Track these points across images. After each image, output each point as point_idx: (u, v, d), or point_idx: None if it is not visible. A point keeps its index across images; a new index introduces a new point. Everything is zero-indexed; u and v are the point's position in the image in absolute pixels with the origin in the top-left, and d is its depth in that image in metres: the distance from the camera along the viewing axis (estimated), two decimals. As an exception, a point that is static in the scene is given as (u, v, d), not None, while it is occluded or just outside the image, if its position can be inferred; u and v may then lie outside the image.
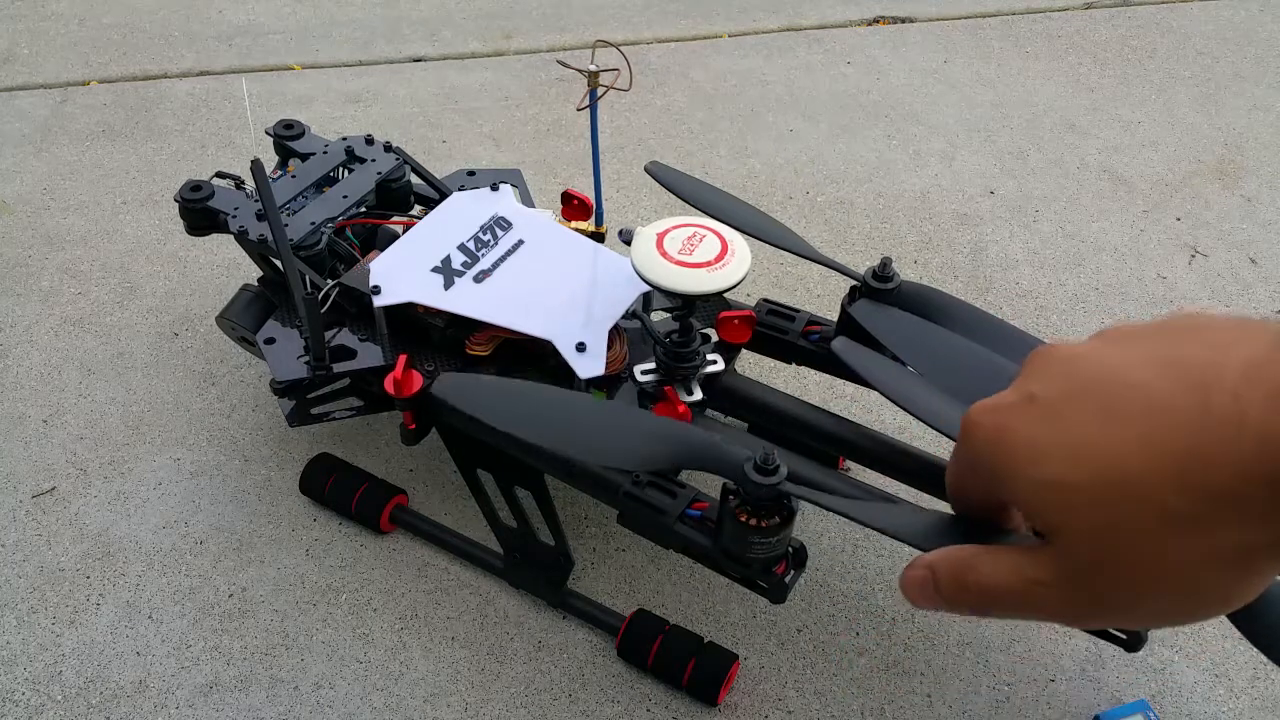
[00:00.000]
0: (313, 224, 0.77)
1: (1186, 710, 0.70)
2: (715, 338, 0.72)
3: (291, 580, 0.77)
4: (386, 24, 1.44)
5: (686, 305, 0.66)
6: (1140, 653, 0.70)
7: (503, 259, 0.74)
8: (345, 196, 0.80)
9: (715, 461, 0.54)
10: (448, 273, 0.72)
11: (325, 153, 0.84)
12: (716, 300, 0.75)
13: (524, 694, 0.70)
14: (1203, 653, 0.73)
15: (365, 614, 0.75)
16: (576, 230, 0.78)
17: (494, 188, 0.80)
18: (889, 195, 1.14)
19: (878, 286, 0.68)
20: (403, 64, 1.36)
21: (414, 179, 0.85)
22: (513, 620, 0.74)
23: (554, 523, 0.72)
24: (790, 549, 0.59)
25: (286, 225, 0.76)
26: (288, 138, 0.86)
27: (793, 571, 0.60)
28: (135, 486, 0.83)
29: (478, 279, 0.72)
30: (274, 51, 1.37)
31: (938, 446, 0.73)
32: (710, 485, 0.77)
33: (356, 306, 0.74)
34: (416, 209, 0.86)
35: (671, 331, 0.68)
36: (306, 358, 0.72)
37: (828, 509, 0.50)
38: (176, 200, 0.80)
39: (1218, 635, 0.73)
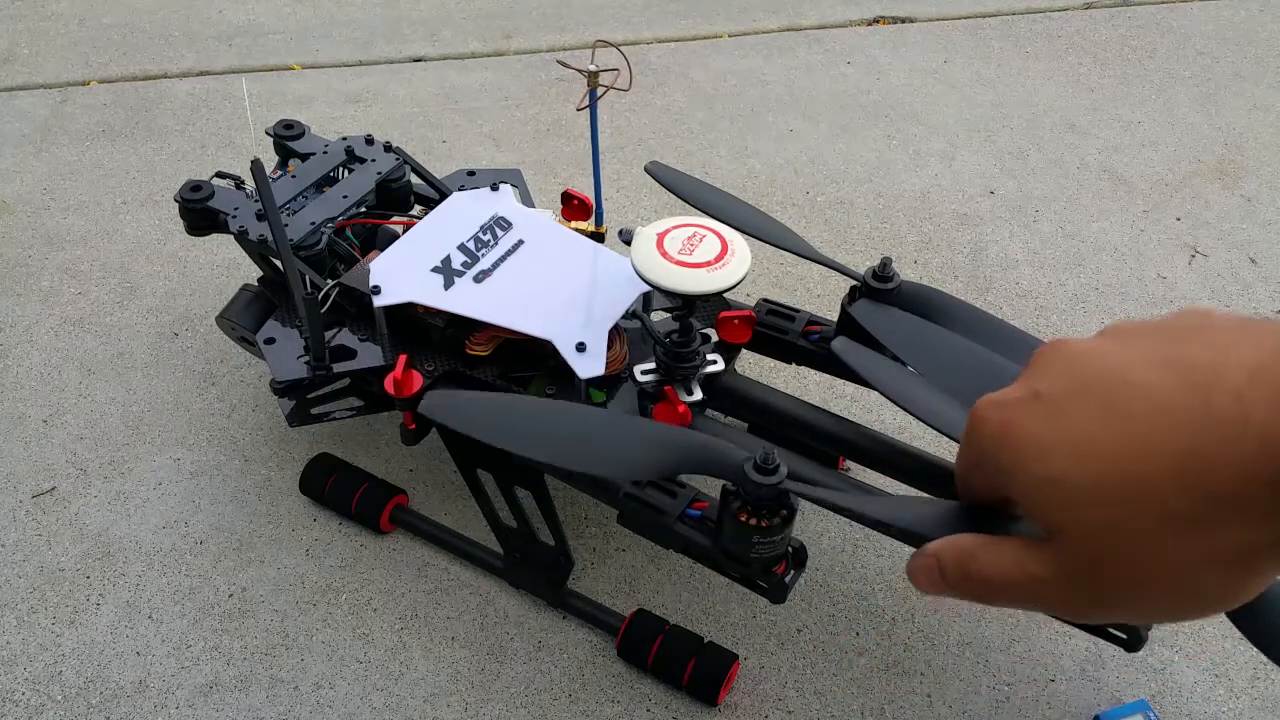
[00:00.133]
0: (313, 224, 0.77)
1: (1186, 710, 0.70)
2: (715, 338, 0.72)
3: (291, 580, 0.77)
4: (386, 24, 1.44)
5: (686, 305, 0.66)
6: (1140, 653, 0.70)
7: (503, 259, 0.74)
8: (345, 196, 0.80)
9: (715, 464, 0.54)
10: (448, 273, 0.72)
11: (325, 153, 0.84)
12: (716, 300, 0.75)
13: (524, 694, 0.70)
14: (1203, 653, 0.73)
15: (365, 614, 0.75)
16: (576, 230, 0.78)
17: (494, 188, 0.80)
18: (889, 195, 1.14)
19: (878, 286, 0.68)
20: (403, 64, 1.36)
21: (414, 179, 0.85)
22: (513, 620, 0.74)
23: (554, 523, 0.72)
24: (790, 549, 0.59)
25: (286, 225, 0.76)
26: (288, 138, 0.86)
27: (793, 571, 0.60)
28: (135, 486, 0.83)
29: (478, 279, 0.72)
30: (274, 51, 1.37)
31: (938, 446, 0.73)
32: (710, 485, 0.77)
33: (356, 306, 0.74)
34: (416, 209, 0.86)
35: (671, 331, 0.68)
36: (306, 358, 0.72)
37: (829, 505, 0.50)
38: (176, 200, 0.80)
39: (1218, 635, 0.73)
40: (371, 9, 1.47)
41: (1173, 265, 1.06)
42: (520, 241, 0.76)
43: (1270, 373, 0.24)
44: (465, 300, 0.71)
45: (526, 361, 0.72)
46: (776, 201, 1.13)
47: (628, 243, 0.65)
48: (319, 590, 0.76)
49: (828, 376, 0.82)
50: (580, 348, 0.68)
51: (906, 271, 1.01)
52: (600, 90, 0.69)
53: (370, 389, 0.76)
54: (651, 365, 0.70)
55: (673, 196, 0.76)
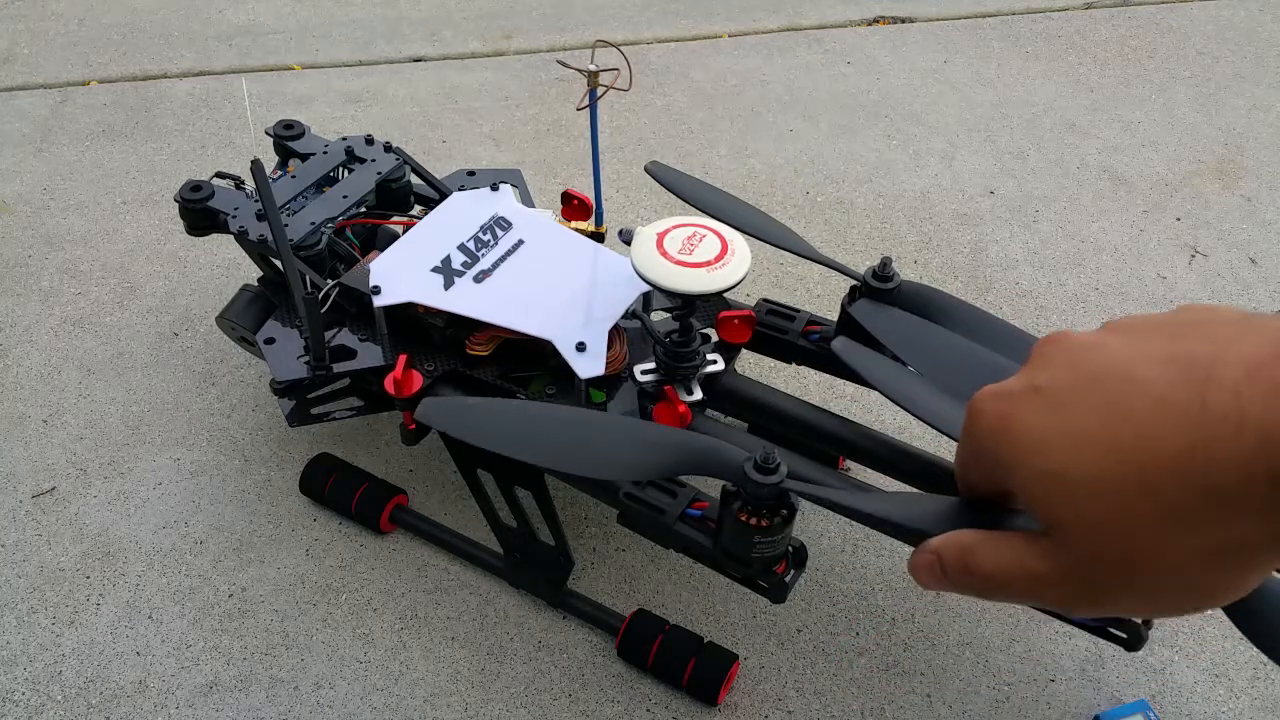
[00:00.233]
0: (313, 224, 0.77)
1: (1186, 710, 0.70)
2: (715, 338, 0.72)
3: (291, 580, 0.77)
4: (386, 24, 1.44)
5: (686, 305, 0.66)
6: (1140, 653, 0.70)
7: (503, 259, 0.74)
8: (345, 196, 0.80)
9: (715, 465, 0.54)
10: (448, 273, 0.72)
11: (325, 153, 0.84)
12: (716, 300, 0.75)
13: (524, 694, 0.70)
14: (1203, 653, 0.73)
15: (365, 614, 0.75)
16: (576, 230, 0.78)
17: (494, 188, 0.80)
18: (889, 195, 1.14)
19: (878, 286, 0.68)
20: (403, 64, 1.36)
21: (414, 179, 0.85)
22: (513, 620, 0.74)
23: (554, 523, 0.72)
24: (790, 549, 0.59)
25: (286, 225, 0.76)
26: (288, 138, 0.86)
27: (793, 571, 0.60)
28: (135, 486, 0.83)
29: (478, 279, 0.72)
30: (274, 51, 1.37)
31: (938, 446, 0.73)
32: (710, 484, 0.77)
33: (356, 306, 0.74)
34: (416, 209, 0.86)
35: (671, 331, 0.68)
36: (306, 358, 0.72)
37: (829, 503, 0.50)
38: (176, 200, 0.80)
39: (1218, 635, 0.73)
40: (371, 9, 1.47)
41: (1173, 265, 1.06)
42: (520, 241, 0.76)
43: (1268, 370, 0.24)
44: (465, 300, 0.71)
45: (526, 361, 0.72)
46: (776, 201, 1.13)
47: (628, 243, 0.65)
48: (319, 590, 0.76)
49: (828, 376, 0.82)
50: (580, 348, 0.68)
51: (906, 271, 1.01)
52: (600, 90, 0.69)
53: (370, 389, 0.76)
54: (651, 365, 0.70)
55: (673, 196, 0.76)
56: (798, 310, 0.75)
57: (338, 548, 0.79)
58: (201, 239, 0.91)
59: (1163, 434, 0.25)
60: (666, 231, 0.64)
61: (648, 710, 0.69)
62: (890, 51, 1.39)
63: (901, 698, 0.70)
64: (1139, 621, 0.58)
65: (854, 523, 0.71)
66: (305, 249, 0.75)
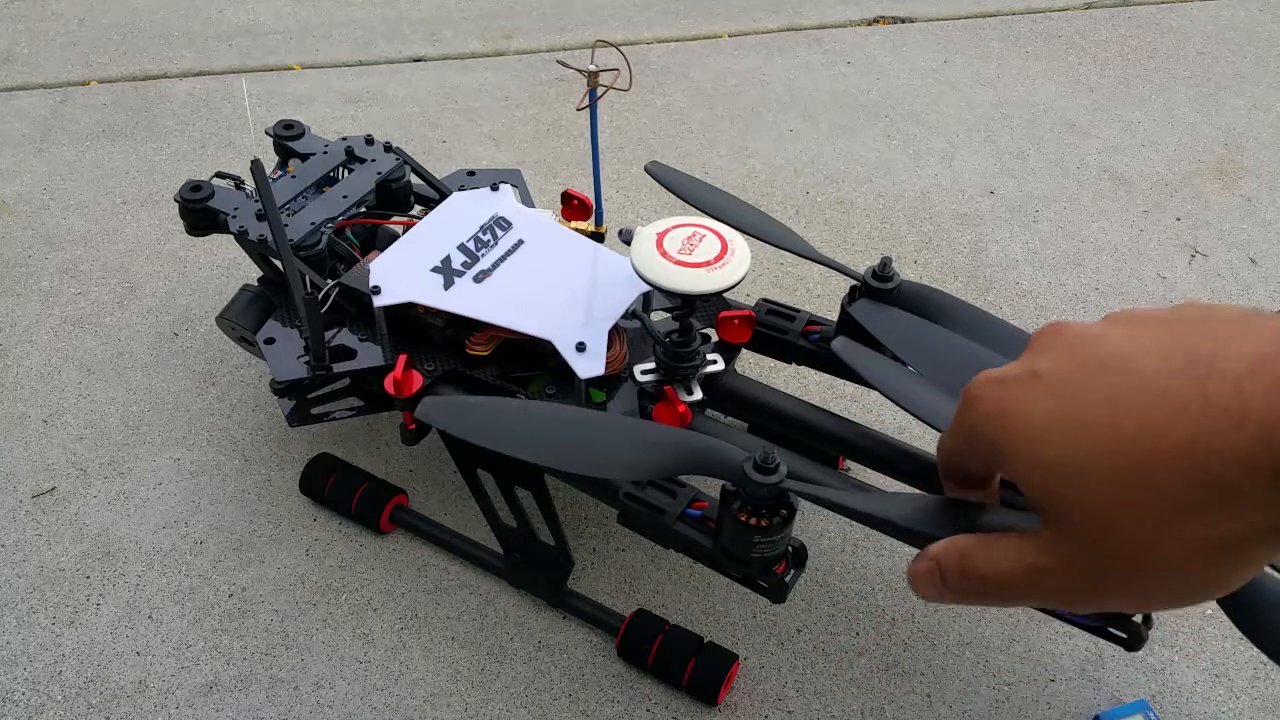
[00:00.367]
0: (313, 224, 0.77)
1: (1186, 710, 0.70)
2: (715, 338, 0.72)
3: (291, 580, 0.77)
4: (386, 24, 1.44)
5: (686, 305, 0.66)
6: (1140, 653, 0.70)
7: (503, 259, 0.74)
8: (345, 196, 0.80)
9: (715, 464, 0.54)
10: (447, 273, 0.72)
11: (325, 153, 0.84)
12: (716, 300, 0.75)
13: (524, 694, 0.70)
14: (1203, 653, 0.73)
15: (365, 614, 0.75)
16: (576, 230, 0.78)
17: (494, 188, 0.80)
18: (889, 195, 1.14)
19: (878, 286, 0.68)
20: (403, 64, 1.36)
21: (414, 179, 0.85)
22: (513, 620, 0.74)
23: (554, 523, 0.72)
24: (790, 549, 0.59)
25: (286, 225, 0.76)
26: (288, 138, 0.86)
27: (793, 571, 0.60)
28: (135, 486, 0.83)
29: (478, 279, 0.72)
30: (274, 51, 1.37)
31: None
32: (710, 485, 0.77)
33: (356, 306, 0.74)
34: (416, 209, 0.86)
35: (671, 331, 0.68)
36: (306, 358, 0.72)
37: (828, 503, 0.50)
38: (176, 200, 0.80)
39: (1218, 635, 0.73)
40: (371, 9, 1.47)
41: (1173, 265, 1.06)
42: (520, 241, 0.76)
43: (1270, 364, 0.24)
44: (465, 300, 0.71)
45: (526, 361, 0.72)
46: (776, 201, 1.13)
47: (628, 243, 0.65)
48: (319, 590, 0.76)
49: (828, 376, 0.82)
50: (580, 348, 0.68)
51: (906, 271, 1.01)
52: (600, 90, 0.69)
53: (370, 389, 0.76)
54: (651, 365, 0.70)
55: (673, 196, 0.76)
56: (798, 310, 0.75)
57: (338, 548, 0.79)
58: (201, 239, 0.91)
59: (1164, 426, 0.25)
60: (666, 231, 0.64)
61: (648, 710, 0.69)
62: (890, 51, 1.39)
63: (901, 698, 0.70)
64: (1139, 621, 0.58)
65: (854, 523, 0.71)
66: (305, 249, 0.75)
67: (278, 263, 0.75)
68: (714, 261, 0.62)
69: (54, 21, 1.42)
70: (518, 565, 0.74)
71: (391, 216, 0.81)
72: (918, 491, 0.69)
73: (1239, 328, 0.26)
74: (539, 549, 0.72)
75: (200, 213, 0.80)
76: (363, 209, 0.81)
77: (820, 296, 1.01)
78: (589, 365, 0.67)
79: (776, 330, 0.74)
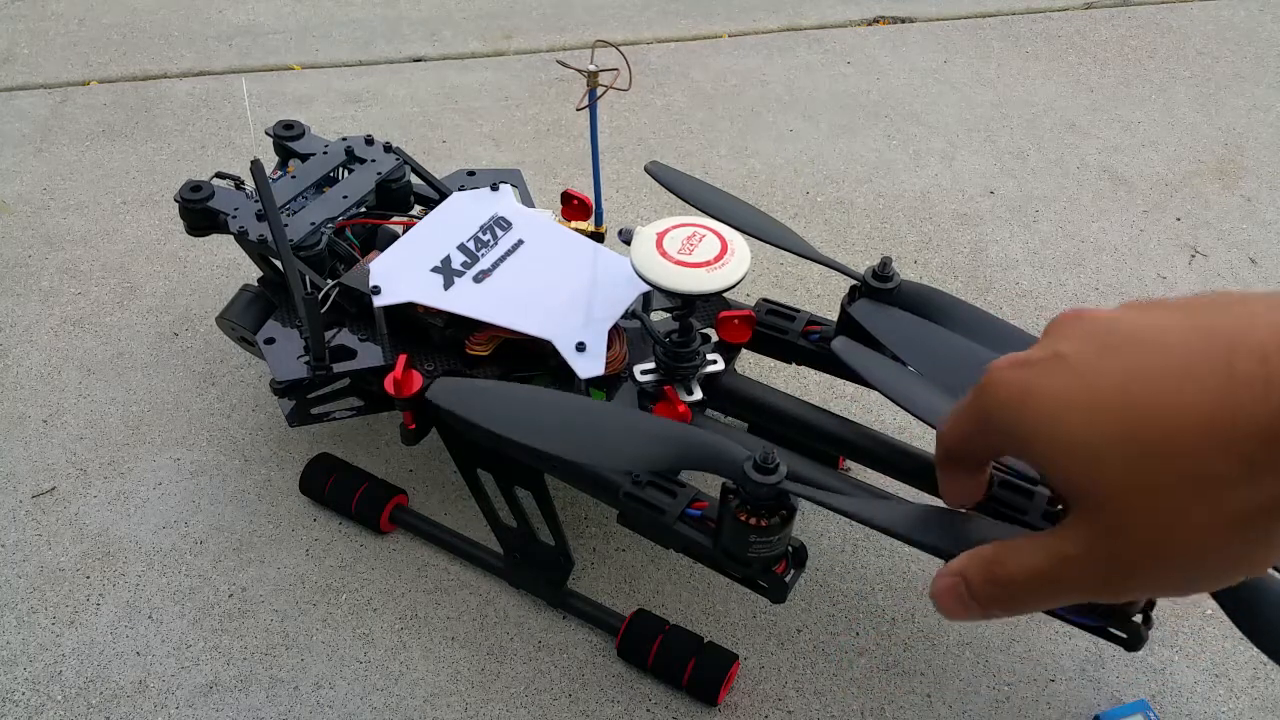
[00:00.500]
0: (313, 224, 0.77)
1: (1186, 710, 0.70)
2: (715, 338, 0.72)
3: (291, 580, 0.77)
4: (386, 24, 1.44)
5: (686, 305, 0.66)
6: (1140, 653, 0.70)
7: (502, 259, 0.74)
8: (345, 197, 0.80)
9: (715, 461, 0.54)
10: (447, 273, 0.72)
11: (325, 153, 0.84)
12: (716, 300, 0.75)
13: (524, 694, 0.70)
14: (1203, 653, 0.73)
15: (365, 614, 0.75)
16: (576, 230, 0.78)
17: (494, 188, 0.80)
18: (889, 195, 1.14)
19: (878, 286, 0.68)
20: (403, 64, 1.36)
21: (414, 179, 0.85)
22: (513, 620, 0.74)
23: (554, 523, 0.72)
24: (790, 548, 0.59)
25: (286, 225, 0.76)
26: (288, 138, 0.86)
27: (793, 571, 0.60)
28: (135, 486, 0.83)
29: (477, 279, 0.72)
30: (274, 51, 1.37)
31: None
32: (710, 485, 0.77)
33: (356, 306, 0.74)
34: (416, 209, 0.86)
35: (671, 331, 0.68)
36: (306, 358, 0.72)
37: (830, 507, 0.50)
38: (176, 200, 0.80)
39: (1218, 635, 0.73)
40: (371, 9, 1.47)
41: (1173, 265, 1.06)
42: (520, 241, 0.76)
43: None
44: (465, 300, 0.71)
45: (526, 361, 0.72)
46: (776, 201, 1.13)
47: (628, 243, 0.65)
48: (319, 590, 0.76)
49: (828, 376, 0.82)
50: (580, 348, 0.68)
51: (906, 271, 1.01)
52: (600, 90, 0.69)
53: (370, 389, 0.76)
54: (651, 365, 0.70)
55: (673, 196, 0.76)
56: (798, 310, 0.75)
57: (338, 548, 0.79)
58: (201, 239, 0.91)
59: (1189, 400, 0.25)
60: (666, 231, 0.64)
61: (648, 710, 0.69)
62: (890, 51, 1.39)
63: (901, 698, 0.70)
64: (1139, 621, 0.58)
65: (854, 523, 0.71)
66: (305, 249, 0.75)
67: (278, 263, 0.75)
68: (714, 261, 0.62)
69: (54, 21, 1.42)
70: (518, 565, 0.74)
71: (391, 216, 0.81)
72: (918, 498, 0.69)
73: (1261, 304, 0.26)
74: (539, 549, 0.72)
75: (200, 213, 0.80)
76: (363, 209, 0.81)
77: (820, 296, 1.01)
78: (589, 365, 0.67)
79: (776, 330, 0.74)
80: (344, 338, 0.74)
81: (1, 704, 0.69)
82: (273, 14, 1.45)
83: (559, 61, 0.76)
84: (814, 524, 0.80)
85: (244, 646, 0.73)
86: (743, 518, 0.55)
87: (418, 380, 0.68)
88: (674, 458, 0.55)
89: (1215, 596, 0.55)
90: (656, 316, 0.73)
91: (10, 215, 1.09)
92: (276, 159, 0.88)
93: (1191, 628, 0.74)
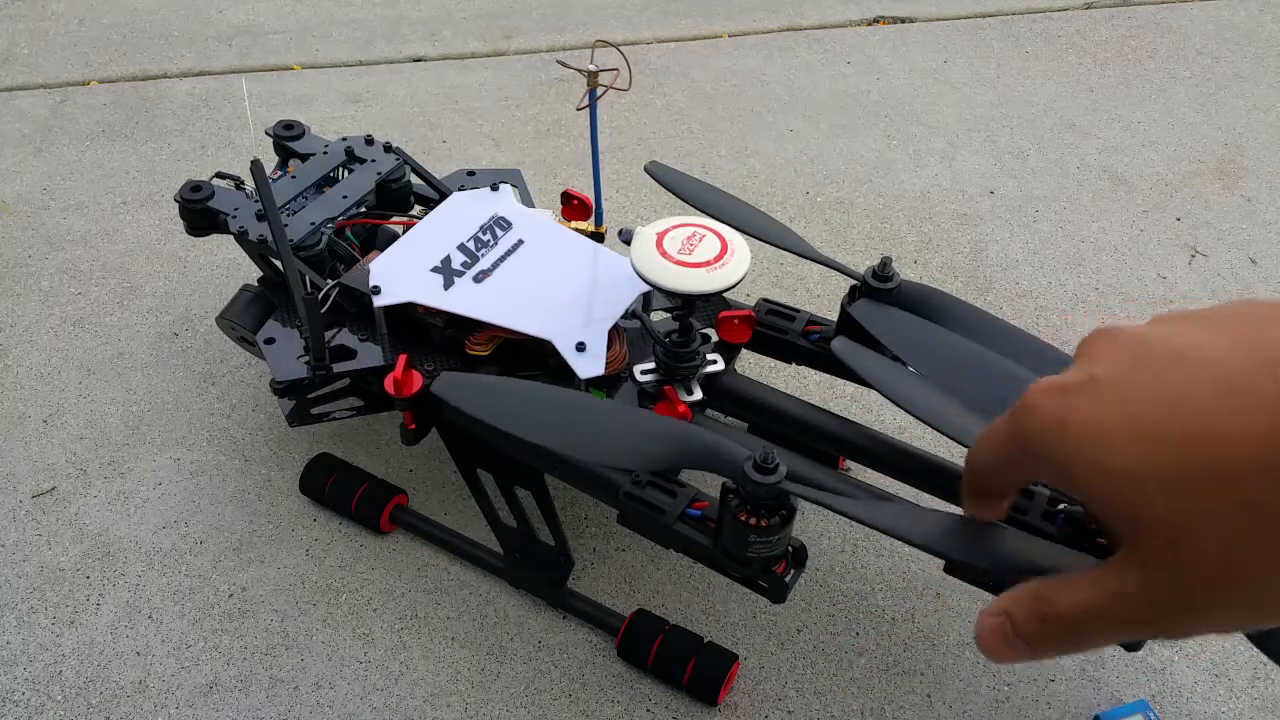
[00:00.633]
0: (313, 224, 0.77)
1: (1186, 710, 0.70)
2: (715, 338, 0.72)
3: (291, 580, 0.77)
4: (386, 24, 1.44)
5: (686, 305, 0.66)
6: (1140, 653, 0.70)
7: (502, 259, 0.74)
8: (345, 197, 0.80)
9: (715, 460, 0.54)
10: (447, 273, 0.72)
11: (325, 153, 0.84)
12: (716, 300, 0.75)
13: (524, 694, 0.70)
14: (1203, 653, 0.73)
15: (365, 614, 0.75)
16: (576, 230, 0.78)
17: (494, 188, 0.80)
18: (889, 195, 1.14)
19: (878, 286, 0.68)
20: (403, 64, 1.36)
21: (414, 179, 0.85)
22: (513, 620, 0.74)
23: (554, 523, 0.72)
24: (790, 548, 0.59)
25: (286, 225, 0.76)
26: (288, 138, 0.86)
27: (793, 571, 0.60)
28: (135, 486, 0.83)
29: (477, 279, 0.72)
30: (274, 51, 1.37)
31: (938, 446, 0.73)
32: (710, 485, 0.77)
33: (356, 306, 0.74)
34: (416, 209, 0.86)
35: (671, 331, 0.68)
36: (306, 358, 0.72)
37: (831, 509, 0.50)
38: (176, 200, 0.80)
39: (1218, 635, 0.73)
40: (371, 9, 1.47)
41: (1173, 265, 1.06)
42: (520, 241, 0.76)
43: None
44: (465, 300, 0.71)
45: (526, 361, 0.72)
46: (776, 201, 1.13)
47: (628, 243, 0.65)
48: (319, 590, 0.76)
49: (828, 376, 0.82)
50: (580, 348, 0.68)
51: (906, 271, 1.01)
52: (600, 90, 0.69)
53: (370, 389, 0.76)
54: (651, 365, 0.70)
55: (673, 196, 0.76)
56: (798, 310, 0.75)
57: (338, 548, 0.79)
58: (201, 239, 0.90)
59: (1239, 421, 0.24)
60: (666, 231, 0.64)
61: (648, 710, 0.69)
62: (890, 51, 1.39)
63: (901, 698, 0.70)
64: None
65: (854, 523, 0.71)
66: (305, 249, 0.75)
67: (278, 263, 0.75)
68: (714, 261, 0.62)
69: (54, 21, 1.42)
70: (518, 565, 0.74)
71: (391, 216, 0.81)
72: (918, 498, 0.69)
73: None
74: (539, 549, 0.72)
75: (200, 213, 0.80)
76: (363, 209, 0.81)
77: (820, 296, 1.01)
78: (589, 365, 0.67)
79: (776, 330, 0.74)
80: (344, 338, 0.74)
81: (1, 704, 0.69)
82: (273, 14, 1.45)
83: (559, 61, 0.76)
84: (814, 524, 0.80)
85: (244, 646, 0.73)
86: (743, 518, 0.55)
87: (418, 380, 0.68)
88: (674, 456, 0.55)
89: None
90: (656, 316, 0.73)
91: (10, 215, 1.09)
92: (276, 159, 0.88)
93: (1191, 628, 0.74)
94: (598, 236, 0.79)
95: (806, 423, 0.70)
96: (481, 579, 0.77)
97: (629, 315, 0.71)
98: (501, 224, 0.77)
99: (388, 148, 0.85)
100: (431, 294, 0.71)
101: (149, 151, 1.18)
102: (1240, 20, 1.47)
